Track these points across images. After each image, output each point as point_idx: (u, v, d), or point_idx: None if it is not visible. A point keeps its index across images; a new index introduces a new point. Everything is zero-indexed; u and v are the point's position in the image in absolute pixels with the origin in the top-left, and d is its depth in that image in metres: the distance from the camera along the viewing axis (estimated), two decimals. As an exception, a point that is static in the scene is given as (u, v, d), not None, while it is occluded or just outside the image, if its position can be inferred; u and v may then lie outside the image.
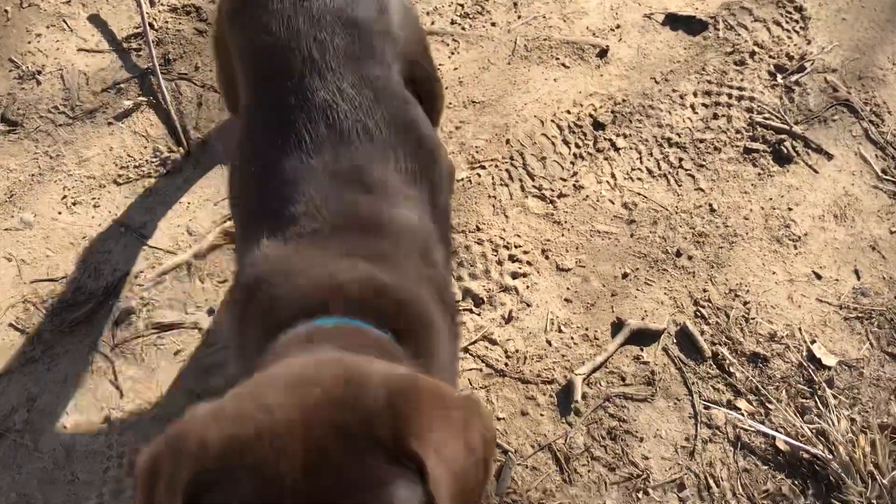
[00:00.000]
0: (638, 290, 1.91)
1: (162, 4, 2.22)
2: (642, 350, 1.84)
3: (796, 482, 1.70)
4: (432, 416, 0.80)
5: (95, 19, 2.19)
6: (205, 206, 1.96)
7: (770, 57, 2.18)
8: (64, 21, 2.18)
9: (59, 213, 1.95)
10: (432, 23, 2.23)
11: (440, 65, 2.12)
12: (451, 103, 2.09)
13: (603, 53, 2.20)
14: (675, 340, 1.85)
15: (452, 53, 2.20)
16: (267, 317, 1.09)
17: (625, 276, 1.92)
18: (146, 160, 2.01)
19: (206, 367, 1.79)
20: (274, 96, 1.28)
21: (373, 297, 1.08)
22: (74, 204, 1.96)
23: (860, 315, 1.88)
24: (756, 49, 2.19)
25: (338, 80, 1.26)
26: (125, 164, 2.00)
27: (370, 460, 0.76)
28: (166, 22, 2.18)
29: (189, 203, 1.97)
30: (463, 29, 2.23)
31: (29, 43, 2.15)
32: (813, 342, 1.84)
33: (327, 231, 1.16)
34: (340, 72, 1.27)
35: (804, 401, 1.78)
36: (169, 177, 1.99)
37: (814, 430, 1.74)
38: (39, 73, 2.11)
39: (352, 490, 0.74)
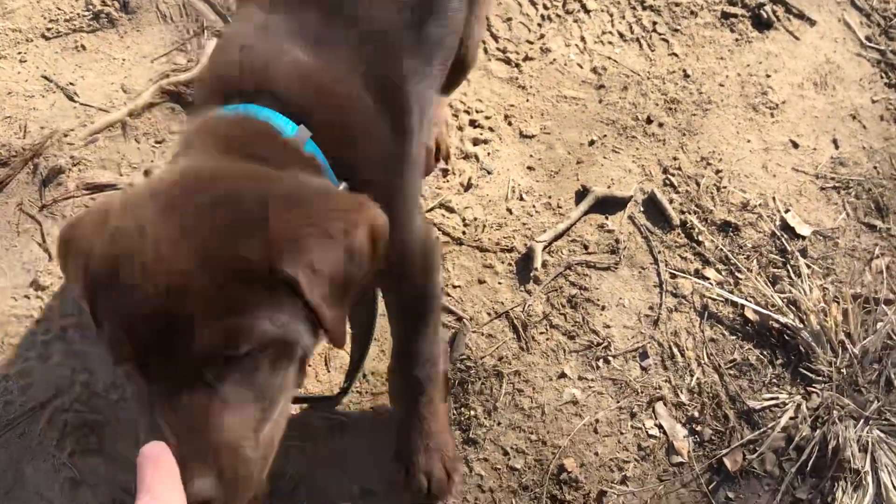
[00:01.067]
0: (605, 157, 1.80)
1: None
2: (607, 218, 1.74)
3: (764, 352, 1.63)
4: (308, 231, 0.84)
5: None
6: (141, 63, 1.82)
7: (753, -81, 2.04)
8: None
9: (-17, 68, 1.80)
10: None
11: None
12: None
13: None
14: (641, 209, 1.75)
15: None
16: (206, 87, 1.09)
17: (591, 143, 1.81)
18: (78, 13, 1.86)
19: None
20: None
21: (298, 86, 0.98)
22: (-1, 58, 1.81)
23: (837, 185, 1.79)
24: (739, -90, 2.05)
25: None
26: (54, 17, 1.85)
27: (237, 287, 0.80)
28: None
29: (124, 60, 1.82)
30: None
31: None
32: (787, 211, 1.75)
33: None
34: None
35: (776, 270, 1.69)
36: (102, 31, 1.84)
37: (785, 300, 1.66)
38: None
39: (218, 316, 0.79)
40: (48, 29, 1.83)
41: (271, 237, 0.82)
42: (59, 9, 1.86)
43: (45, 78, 1.79)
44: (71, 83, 1.79)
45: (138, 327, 0.79)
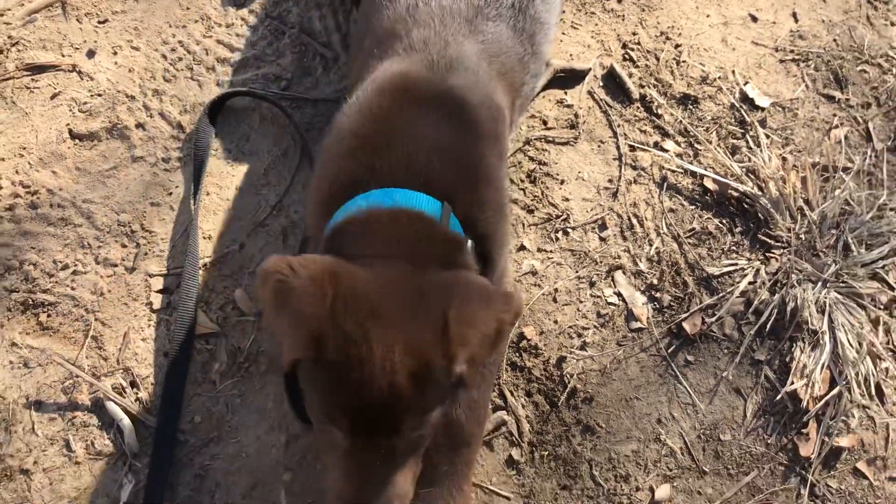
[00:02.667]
0: (564, 34, 1.77)
1: None
2: (566, 93, 1.72)
3: (724, 220, 1.62)
4: (473, 333, 1.03)
5: None
6: (81, -59, 1.74)
7: None
8: None
9: (-88, -52, 1.72)
10: None
11: None
12: None
13: None
14: (601, 84, 1.73)
15: None
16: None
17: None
18: None
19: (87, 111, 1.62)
20: None
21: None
22: (-72, -64, 1.72)
23: (796, 57, 1.77)
24: None
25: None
26: None
27: (432, 391, 1.03)
28: None
29: (63, -63, 1.75)
30: None
31: None
32: (746, 84, 1.74)
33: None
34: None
35: (735, 141, 1.68)
36: None
37: (744, 169, 1.65)
38: None
39: (419, 414, 1.04)
40: None
41: (452, 350, 1.01)
42: None
43: (-21, -44, 1.72)
44: (6, -39, 1.72)
45: (362, 408, 1.00)
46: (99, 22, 1.69)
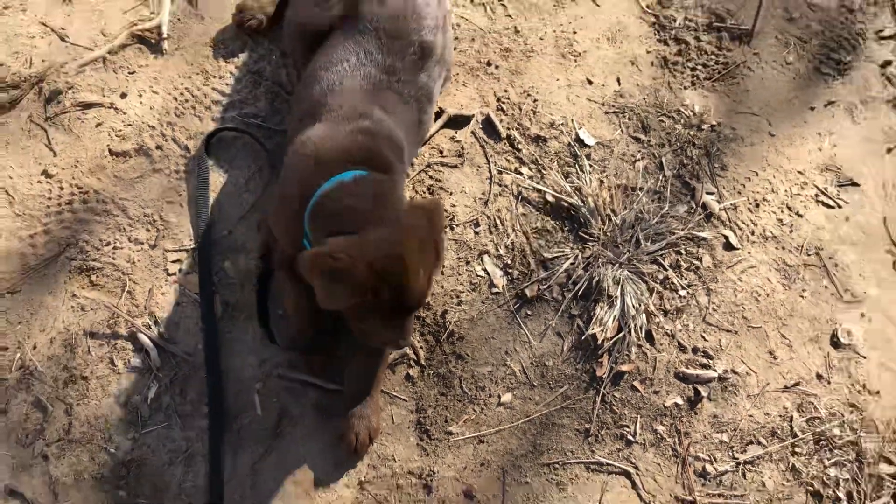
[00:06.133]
0: (457, 90, 2.53)
1: None
2: (456, 132, 2.48)
3: (557, 222, 2.40)
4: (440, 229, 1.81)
5: None
6: (115, 14, 2.45)
7: (572, -85, 2.77)
8: None
9: (-7, 15, 2.41)
10: None
11: None
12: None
13: None
14: (480, 126, 2.49)
15: None
16: (311, 168, 1.87)
17: (446, 79, 2.53)
18: (64, -25, 2.47)
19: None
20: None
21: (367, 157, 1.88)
22: (5, 8, 2.41)
23: (616, 110, 2.56)
24: None
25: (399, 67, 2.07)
26: (47, -23, 2.46)
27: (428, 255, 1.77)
28: None
29: (101, 10, 2.45)
30: None
31: None
32: (580, 128, 2.52)
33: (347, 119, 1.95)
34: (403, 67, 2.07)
35: (569, 168, 2.47)
36: (84, -11, 2.46)
37: (573, 188, 2.43)
38: None
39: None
40: (42, -14, 2.45)
41: (441, 262, 1.85)
42: (49, -29, 2.47)
43: (43, 24, 2.41)
44: (62, 28, 2.42)
45: (408, 300, 1.73)
46: (129, 73, 2.40)
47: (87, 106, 2.35)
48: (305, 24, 2.17)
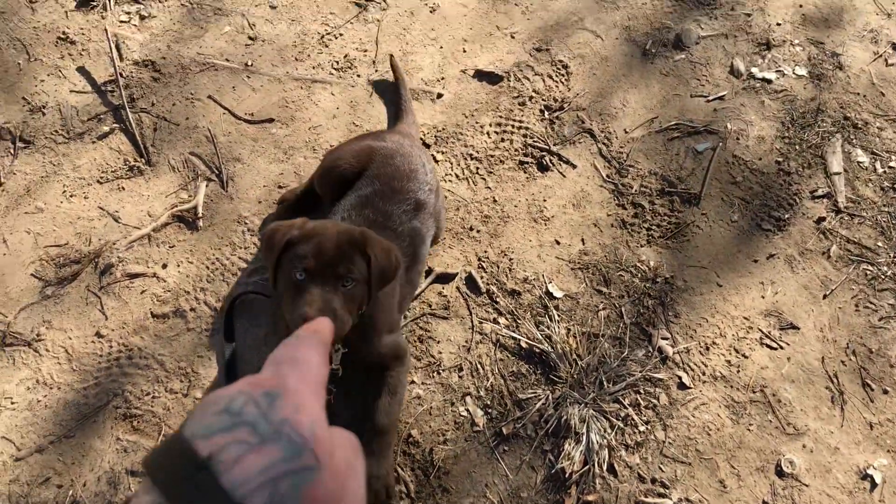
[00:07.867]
0: (444, 251, 2.97)
1: (128, 59, 3.20)
2: (443, 288, 2.90)
3: (530, 366, 2.78)
4: (377, 244, 2.04)
5: (82, 70, 3.16)
6: (159, 198, 2.96)
7: (542, 100, 3.28)
8: (59, 71, 3.15)
9: (61, 202, 2.93)
10: (316, 73, 3.26)
11: (322, 101, 3.16)
12: (330, 126, 3.14)
13: (439, 96, 3.27)
14: (464, 282, 2.91)
15: (332, 95, 3.24)
16: None
17: (434, 240, 2.98)
18: (119, 167, 3.00)
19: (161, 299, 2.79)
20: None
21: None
22: (71, 196, 2.94)
23: (581, 266, 2.97)
24: (534, 94, 3.28)
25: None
26: (105, 170, 2.99)
27: (354, 252, 1.98)
28: (131, 72, 3.17)
29: (148, 195, 2.96)
30: (338, 78, 3.27)
31: (36, 86, 3.12)
32: (549, 283, 2.93)
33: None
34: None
35: (540, 318, 2.86)
36: (134, 178, 2.98)
37: (544, 335, 2.82)
38: (44, 106, 3.08)
39: (347, 262, 1.96)
40: (101, 176, 2.97)
41: (367, 250, 2.01)
42: (107, 164, 3.00)
43: (101, 208, 2.92)
44: (116, 211, 2.93)
45: (318, 259, 1.92)
46: (169, 247, 2.89)
47: (134, 276, 2.82)
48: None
